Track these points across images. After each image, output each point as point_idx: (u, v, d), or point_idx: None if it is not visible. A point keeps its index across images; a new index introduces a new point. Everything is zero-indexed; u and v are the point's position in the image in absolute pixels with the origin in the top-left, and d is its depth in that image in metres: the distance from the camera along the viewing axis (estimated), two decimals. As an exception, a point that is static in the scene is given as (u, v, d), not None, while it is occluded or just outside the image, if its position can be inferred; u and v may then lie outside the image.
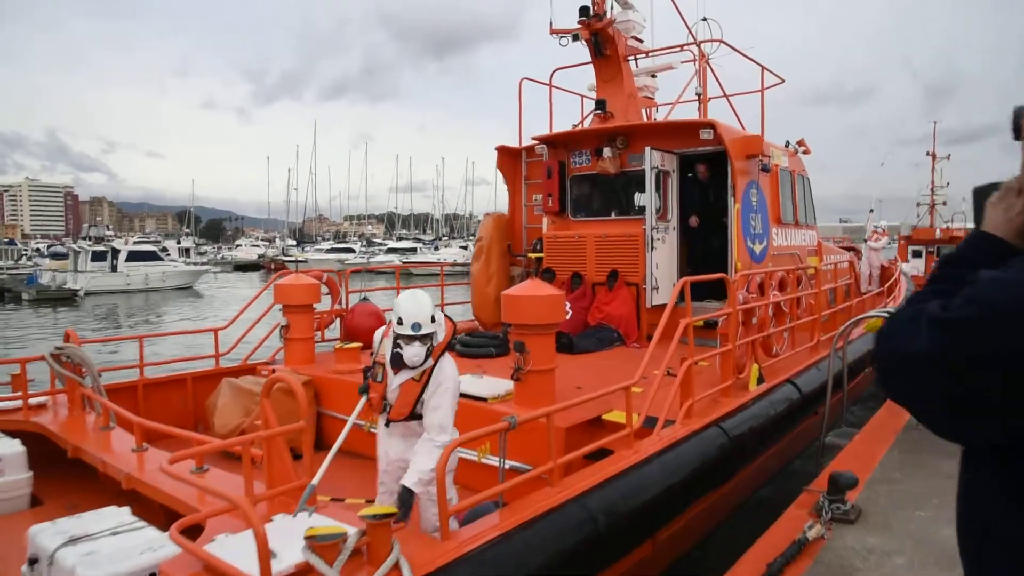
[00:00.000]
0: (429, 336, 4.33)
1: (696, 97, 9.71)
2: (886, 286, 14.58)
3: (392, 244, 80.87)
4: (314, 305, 8.60)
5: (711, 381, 6.85)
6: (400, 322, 4.27)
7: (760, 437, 6.75)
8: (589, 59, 10.14)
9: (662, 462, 5.33)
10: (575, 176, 10.61)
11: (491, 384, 6.76)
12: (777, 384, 7.56)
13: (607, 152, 9.80)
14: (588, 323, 9.62)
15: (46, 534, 4.17)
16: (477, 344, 8.60)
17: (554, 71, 10.62)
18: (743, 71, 10.70)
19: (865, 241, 15.81)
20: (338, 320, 9.79)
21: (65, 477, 6.15)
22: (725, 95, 10.56)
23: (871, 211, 16.75)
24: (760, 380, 7.31)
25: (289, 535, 3.39)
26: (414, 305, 4.32)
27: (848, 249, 15.12)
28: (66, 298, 42.94)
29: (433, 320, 4.37)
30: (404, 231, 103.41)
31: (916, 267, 28.92)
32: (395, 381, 4.49)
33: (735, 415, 6.51)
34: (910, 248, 30.43)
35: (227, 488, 4.29)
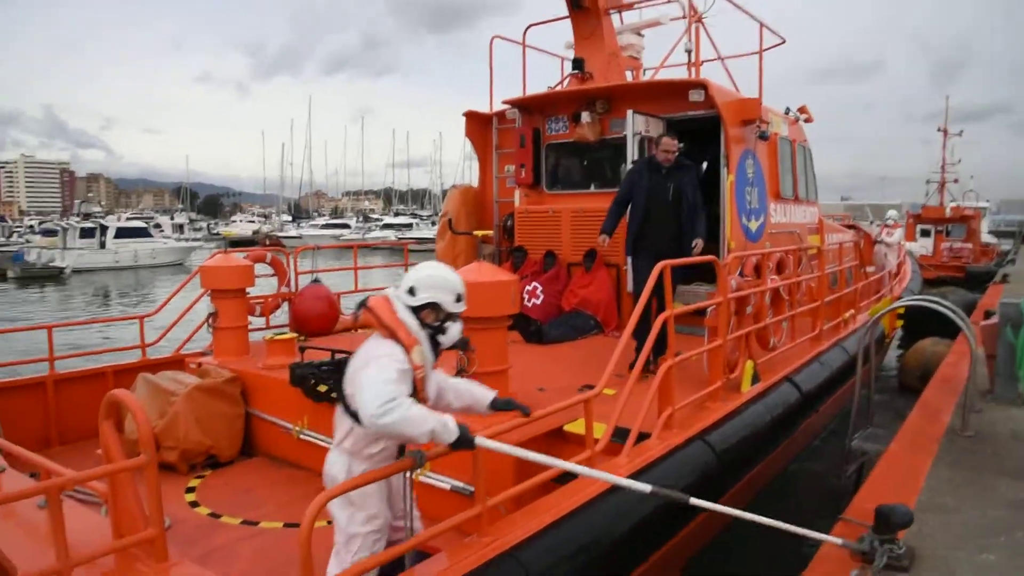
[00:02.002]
0: None
1: (686, 55, 8.56)
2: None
3: (388, 219, 79.75)
4: (247, 289, 7.57)
5: (698, 379, 5.85)
6: (460, 298, 3.43)
7: (753, 449, 5.76)
8: (566, 13, 9.00)
9: (628, 494, 4.28)
10: (551, 144, 9.52)
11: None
12: (775, 383, 6.56)
13: (586, 117, 8.72)
14: (562, 308, 8.59)
15: None
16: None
17: (527, 27, 9.49)
18: (741, 35, 9.58)
19: (877, 241, 14.05)
20: (286, 304, 8.78)
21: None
22: (720, 57, 9.43)
23: (888, 219, 14.93)
24: (755, 379, 6.31)
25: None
26: (457, 275, 3.51)
27: (849, 227, 13.87)
28: (52, 276, 42.07)
29: None
30: (402, 206, 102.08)
31: (925, 247, 27.80)
32: (434, 378, 3.52)
33: (724, 424, 5.52)
34: (919, 227, 29.26)
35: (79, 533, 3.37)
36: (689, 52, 8.43)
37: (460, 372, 5.10)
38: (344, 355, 6.51)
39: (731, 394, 5.97)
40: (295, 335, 7.19)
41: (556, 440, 5.08)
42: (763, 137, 8.10)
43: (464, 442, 3.20)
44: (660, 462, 4.69)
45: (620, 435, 4.66)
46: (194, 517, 5.45)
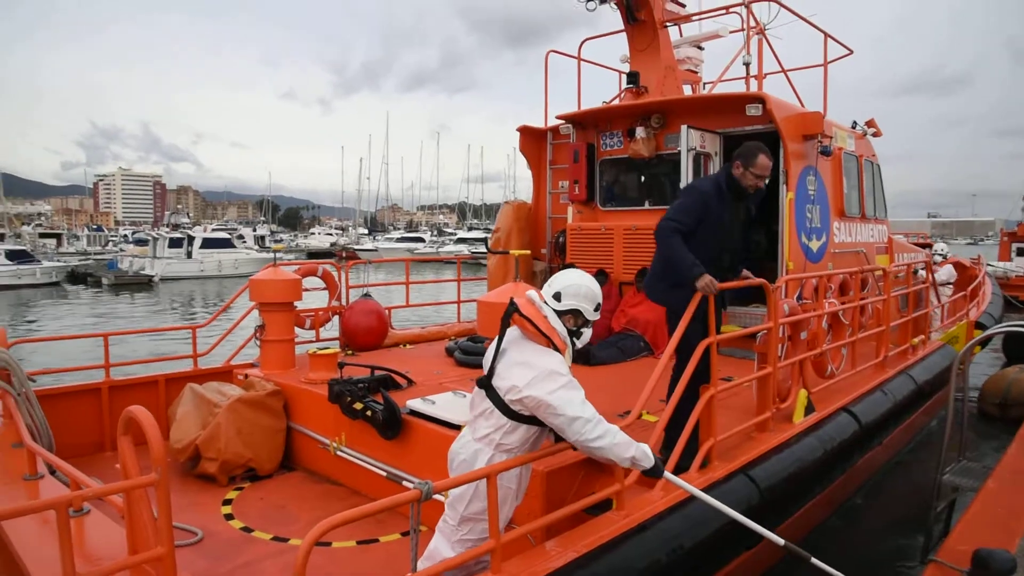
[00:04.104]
0: None
1: (744, 67, 8.22)
2: (969, 289, 12.55)
3: (462, 234, 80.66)
4: (295, 303, 7.62)
5: (747, 408, 5.53)
6: (599, 308, 3.73)
7: (803, 485, 5.39)
8: (622, 26, 8.81)
9: (662, 530, 4.06)
10: (605, 160, 9.31)
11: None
12: (830, 414, 6.16)
13: (640, 132, 8.49)
14: (612, 329, 8.34)
15: None
16: (478, 352, 7.44)
17: (583, 41, 9.35)
18: (812, 47, 9.14)
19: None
20: (337, 318, 8.83)
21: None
22: (783, 70, 9.03)
23: (936, 253, 13.28)
24: (809, 409, 5.93)
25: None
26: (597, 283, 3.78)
27: (923, 246, 13.01)
28: (142, 283, 44.16)
29: None
30: (476, 221, 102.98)
31: (1021, 267, 25.99)
32: None
33: (770, 458, 5.17)
34: (1014, 245, 27.42)
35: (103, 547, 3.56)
36: (747, 65, 8.11)
37: None
38: (384, 372, 6.52)
39: (781, 425, 5.63)
40: (338, 350, 7.19)
41: (592, 468, 4.86)
42: (826, 152, 7.70)
43: (656, 472, 3.56)
44: (695, 498, 4.43)
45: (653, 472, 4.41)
46: (227, 531, 5.46)
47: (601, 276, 8.75)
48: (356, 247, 67.41)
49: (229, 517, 5.70)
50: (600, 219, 9.29)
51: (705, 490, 4.49)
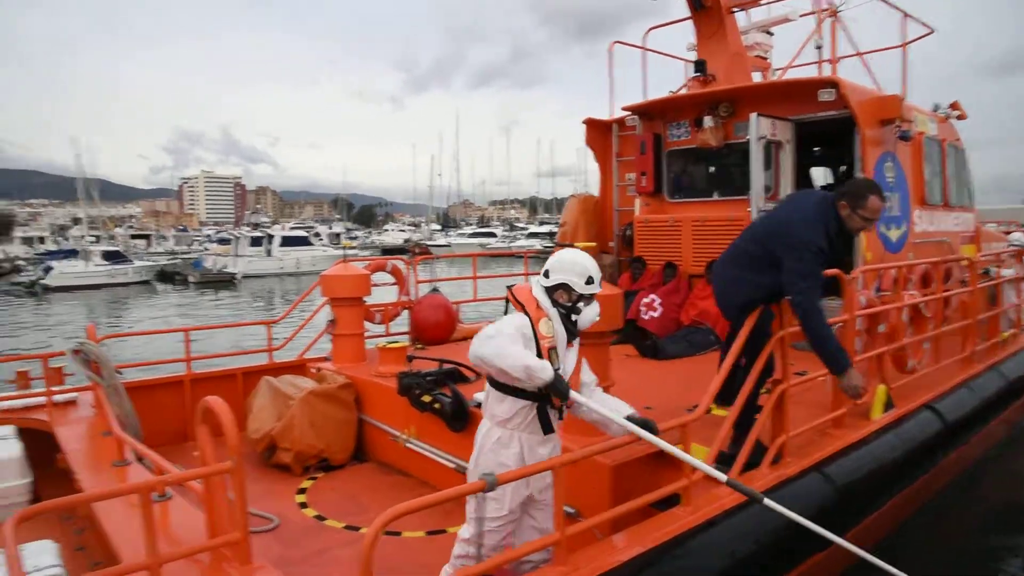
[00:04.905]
0: None
1: (816, 51, 7.93)
2: None
3: (534, 228, 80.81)
4: (363, 298, 7.78)
5: (822, 404, 5.36)
6: (591, 280, 3.66)
7: (881, 485, 5.18)
8: (688, 14, 8.63)
9: (731, 527, 3.97)
10: (672, 151, 9.15)
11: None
12: (911, 411, 5.90)
13: (708, 122, 8.31)
14: (681, 322, 8.22)
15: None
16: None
17: (648, 30, 9.20)
18: (883, 29, 8.75)
19: None
20: (406, 313, 8.98)
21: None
22: (858, 53, 8.67)
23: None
24: (888, 406, 5.70)
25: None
26: (591, 258, 3.78)
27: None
28: (226, 281, 45.98)
29: None
30: (547, 215, 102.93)
31: None
32: (571, 357, 3.71)
33: (847, 455, 4.99)
34: None
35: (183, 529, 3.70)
36: (819, 48, 7.82)
37: None
38: (452, 365, 6.60)
39: (858, 422, 5.43)
40: (407, 344, 7.31)
41: (659, 463, 4.79)
42: (905, 137, 7.36)
43: (557, 386, 3.39)
44: (768, 494, 4.29)
45: (725, 461, 4.33)
46: (301, 518, 5.64)
47: (670, 269, 8.62)
48: (429, 243, 68.38)
49: (303, 506, 5.88)
50: (668, 211, 9.14)
51: (777, 487, 4.39)
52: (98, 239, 54.45)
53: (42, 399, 6.55)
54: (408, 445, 6.28)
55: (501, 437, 3.62)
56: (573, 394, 3.54)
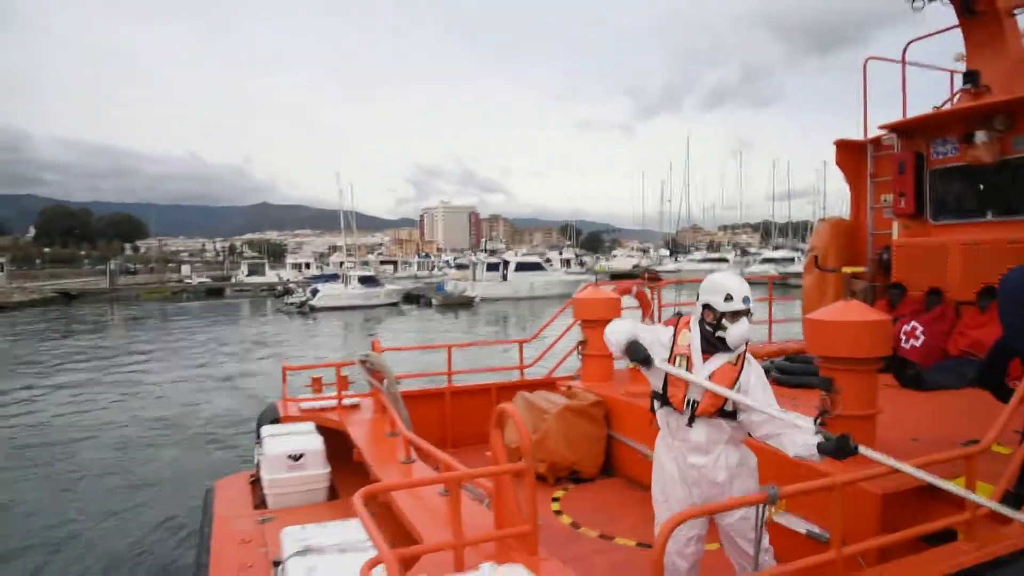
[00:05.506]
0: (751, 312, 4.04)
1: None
2: None
3: (768, 253, 77.33)
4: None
5: None
6: (729, 297, 3.91)
7: None
8: (956, 22, 8.07)
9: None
10: (936, 170, 8.52)
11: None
12: None
13: (981, 137, 7.67)
14: (947, 352, 7.63)
15: (290, 539, 4.34)
16: (797, 372, 7.30)
17: (907, 44, 8.69)
18: None
19: None
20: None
21: (362, 474, 6.59)
22: None
23: None
24: None
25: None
26: (738, 279, 4.04)
27: None
28: (465, 304, 49.26)
29: None
30: (781, 239, 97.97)
31: None
32: (705, 369, 3.93)
33: None
34: None
35: (467, 518, 4.00)
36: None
37: (823, 414, 4.90)
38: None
39: None
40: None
41: (927, 499, 4.58)
42: None
43: (634, 352, 3.99)
44: None
45: (1011, 501, 4.02)
46: (558, 524, 6.06)
47: (934, 295, 8.06)
48: (658, 268, 68.03)
49: (558, 513, 6.30)
50: (931, 234, 8.53)
51: None
52: (355, 264, 60.73)
53: (333, 402, 7.64)
54: (654, 460, 6.49)
55: (660, 442, 4.17)
56: (664, 365, 3.93)
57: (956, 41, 8.34)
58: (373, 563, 2.87)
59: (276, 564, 4.34)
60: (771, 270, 56.64)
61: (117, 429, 15.27)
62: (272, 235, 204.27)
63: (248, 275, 76.32)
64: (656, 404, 4.09)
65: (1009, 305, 4.48)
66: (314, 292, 50.72)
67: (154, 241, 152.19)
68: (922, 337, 7.73)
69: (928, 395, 6.96)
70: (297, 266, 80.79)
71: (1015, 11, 7.95)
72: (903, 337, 7.83)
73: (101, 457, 13.02)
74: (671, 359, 3.94)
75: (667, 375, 3.97)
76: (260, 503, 6.49)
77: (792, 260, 66.81)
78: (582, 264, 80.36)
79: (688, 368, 3.88)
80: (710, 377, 3.84)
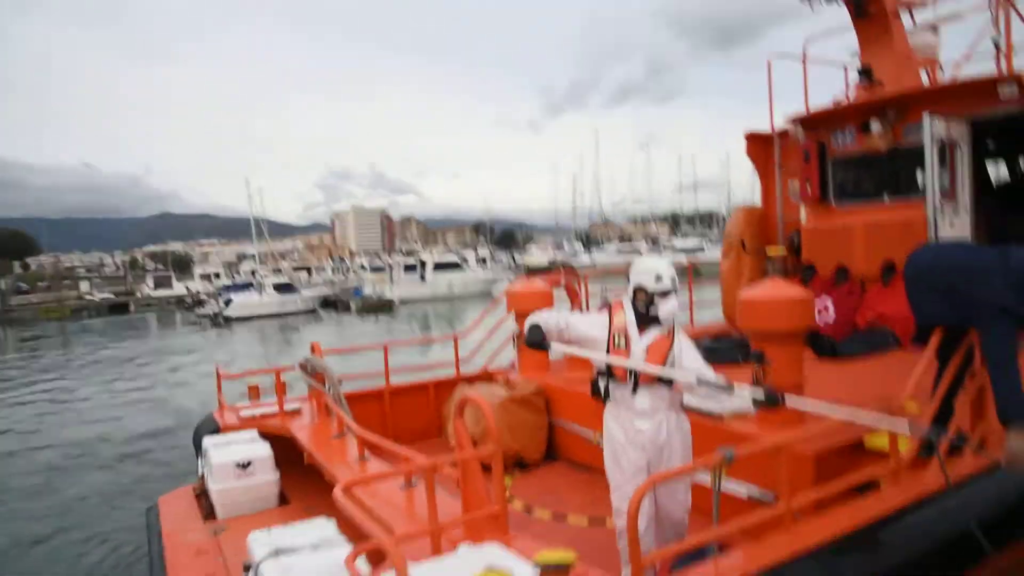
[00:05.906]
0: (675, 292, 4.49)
1: (994, 49, 7.75)
2: None
3: (679, 243, 79.96)
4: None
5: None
6: (659, 278, 4.39)
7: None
8: (848, 22, 8.72)
9: (943, 508, 3.97)
10: (837, 158, 9.21)
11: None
12: None
13: (875, 127, 8.33)
14: (857, 325, 8.27)
15: (259, 543, 4.34)
16: (722, 349, 7.74)
17: (805, 42, 9.32)
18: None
19: None
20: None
21: (311, 477, 6.61)
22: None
23: None
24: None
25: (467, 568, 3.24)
26: (665, 262, 4.52)
27: None
28: (385, 306, 48.69)
29: None
30: (689, 228, 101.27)
31: None
32: (642, 343, 4.37)
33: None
34: None
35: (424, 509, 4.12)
36: (996, 43, 7.66)
37: (756, 384, 5.26)
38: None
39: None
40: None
41: (857, 455, 4.91)
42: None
43: (529, 335, 4.47)
44: (980, 479, 4.22)
45: (928, 449, 4.36)
46: (511, 510, 6.22)
47: (842, 274, 8.69)
48: (573, 262, 69.06)
49: (510, 499, 6.49)
50: (836, 217, 9.19)
51: (989, 471, 4.35)
52: (269, 272, 59.22)
53: (274, 408, 7.59)
54: (600, 443, 6.78)
55: (607, 414, 4.55)
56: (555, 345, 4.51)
57: (850, 38, 9.01)
58: (359, 552, 3.01)
59: (246, 569, 4.35)
60: (683, 259, 58.42)
61: (32, 453, 14.55)
62: (176, 246, 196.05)
63: (155, 288, 73.28)
64: (600, 381, 4.48)
65: (910, 285, 4.89)
66: (227, 302, 49.17)
67: (48, 257, 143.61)
68: (833, 312, 8.34)
69: (843, 364, 7.52)
70: (206, 276, 78.00)
71: (900, 11, 8.66)
72: (817, 313, 8.41)
73: (20, 485, 12.38)
74: (610, 337, 4.37)
75: (608, 351, 4.37)
76: (208, 514, 6.44)
77: (702, 249, 69.18)
78: (498, 262, 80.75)
79: (626, 343, 4.33)
80: (647, 348, 4.30)
